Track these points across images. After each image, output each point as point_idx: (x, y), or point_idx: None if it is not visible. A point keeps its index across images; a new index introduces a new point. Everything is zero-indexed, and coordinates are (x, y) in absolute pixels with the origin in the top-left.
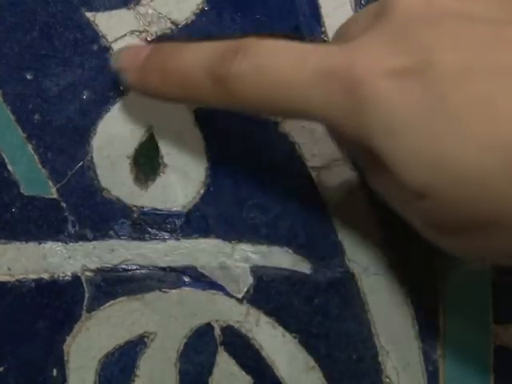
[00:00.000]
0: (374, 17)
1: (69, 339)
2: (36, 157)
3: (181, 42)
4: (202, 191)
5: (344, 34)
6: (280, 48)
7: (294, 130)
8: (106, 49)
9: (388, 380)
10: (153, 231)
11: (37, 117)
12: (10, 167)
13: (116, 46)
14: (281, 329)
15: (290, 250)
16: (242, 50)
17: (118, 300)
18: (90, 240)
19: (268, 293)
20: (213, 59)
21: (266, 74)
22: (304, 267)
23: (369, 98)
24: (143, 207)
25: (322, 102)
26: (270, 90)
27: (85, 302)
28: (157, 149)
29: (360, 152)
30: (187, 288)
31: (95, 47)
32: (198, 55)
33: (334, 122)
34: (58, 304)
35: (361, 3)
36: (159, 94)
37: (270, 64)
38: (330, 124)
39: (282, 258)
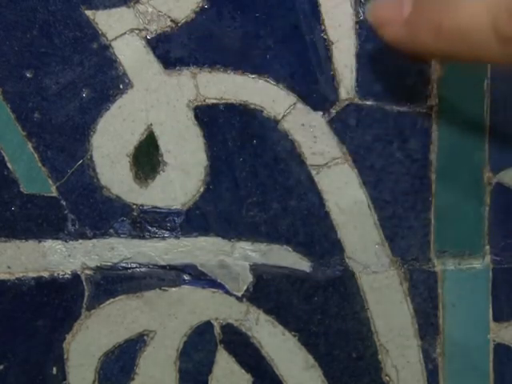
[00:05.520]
0: None
1: (68, 337)
2: (36, 155)
3: None
4: (201, 189)
5: None
6: None
7: (294, 128)
8: (106, 47)
9: (387, 378)
10: (152, 229)
11: (37, 115)
12: (9, 165)
13: (116, 45)
14: (280, 327)
15: (290, 248)
16: None
17: (117, 298)
18: (89, 238)
19: (268, 291)
20: (497, 16)
21: None
22: (304, 265)
23: None
24: (143, 205)
25: None
26: None
27: (84, 300)
28: (156, 147)
29: None
30: (187, 286)
31: (95, 45)
32: (478, 10)
33: None
34: (58, 302)
35: (360, 1)
36: (431, 49)
37: None
38: None
39: (281, 256)
